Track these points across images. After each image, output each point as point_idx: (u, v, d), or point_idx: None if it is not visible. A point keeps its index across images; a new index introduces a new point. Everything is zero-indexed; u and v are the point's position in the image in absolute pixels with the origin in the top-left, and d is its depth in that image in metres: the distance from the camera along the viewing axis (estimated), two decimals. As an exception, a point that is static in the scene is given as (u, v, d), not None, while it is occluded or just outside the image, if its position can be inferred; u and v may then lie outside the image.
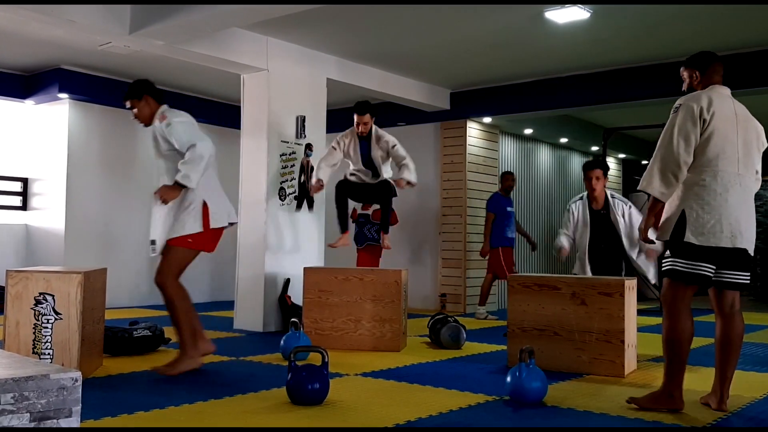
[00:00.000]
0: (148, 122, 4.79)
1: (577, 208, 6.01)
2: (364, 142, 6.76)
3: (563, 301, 4.94)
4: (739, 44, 7.17)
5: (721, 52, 7.28)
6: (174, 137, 4.54)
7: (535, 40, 7.19)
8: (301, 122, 7.44)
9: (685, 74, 3.95)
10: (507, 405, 3.92)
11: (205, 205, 4.60)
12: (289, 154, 7.34)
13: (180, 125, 4.57)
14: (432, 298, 9.70)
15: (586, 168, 6.00)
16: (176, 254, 4.62)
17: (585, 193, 6.02)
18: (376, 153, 6.71)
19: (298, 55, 7.50)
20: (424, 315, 8.14)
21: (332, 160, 6.86)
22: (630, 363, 4.90)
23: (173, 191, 4.54)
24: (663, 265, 3.78)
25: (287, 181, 7.30)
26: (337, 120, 9.38)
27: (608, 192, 5.95)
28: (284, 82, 7.36)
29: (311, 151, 7.49)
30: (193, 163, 4.45)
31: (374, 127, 6.78)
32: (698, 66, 3.89)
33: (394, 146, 6.73)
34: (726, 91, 3.83)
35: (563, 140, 11.58)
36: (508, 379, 4.02)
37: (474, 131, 9.65)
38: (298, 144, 7.44)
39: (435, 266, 9.74)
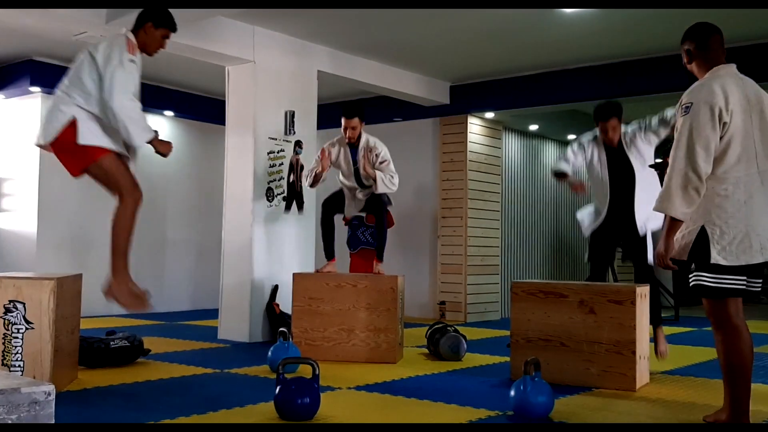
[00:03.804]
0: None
1: (590, 147, 5.61)
2: (355, 149, 6.51)
3: (570, 310, 4.95)
4: (762, 33, 7.19)
5: (742, 42, 7.32)
6: None
7: (541, 29, 7.20)
8: (290, 118, 7.44)
9: (682, 53, 3.74)
10: (511, 420, 3.93)
11: None
12: (277, 152, 7.35)
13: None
14: (430, 306, 9.71)
15: (600, 117, 5.43)
16: None
17: (599, 136, 5.58)
18: (364, 167, 6.40)
19: (287, 45, 7.50)
20: (422, 324, 8.14)
21: (320, 174, 6.56)
22: (642, 376, 4.91)
23: None
24: (690, 280, 3.57)
25: (275, 180, 7.30)
26: (328, 115, 9.39)
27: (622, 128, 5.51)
28: (272, 75, 7.36)
29: (301, 148, 7.49)
30: None
31: (365, 134, 6.50)
32: (694, 38, 3.67)
33: (383, 162, 6.44)
34: (732, 69, 3.59)
35: (571, 137, 11.60)
36: (512, 392, 4.02)
37: (475, 127, 9.66)
38: (287, 141, 7.44)
39: (433, 272, 9.75)
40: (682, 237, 3.54)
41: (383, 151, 6.46)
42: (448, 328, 6.13)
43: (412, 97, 9.18)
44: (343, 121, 6.44)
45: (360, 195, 6.60)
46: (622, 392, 4.69)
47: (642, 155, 5.45)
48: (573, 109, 10.37)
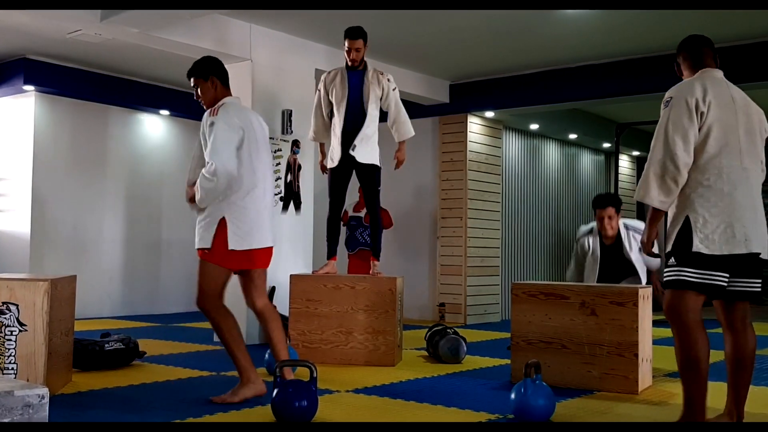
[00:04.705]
0: (209, 107, 4.58)
1: (588, 243, 5.95)
2: (355, 75, 6.19)
3: (572, 312, 4.95)
4: (764, 31, 7.20)
5: (744, 40, 7.33)
6: (208, 138, 4.33)
7: (541, 27, 7.21)
8: (287, 117, 7.45)
9: (675, 66, 3.90)
10: (511, 424, 3.93)
11: (222, 221, 4.34)
12: (275, 152, 7.34)
13: (220, 131, 4.32)
14: (429, 307, 9.71)
15: (597, 206, 5.85)
16: (204, 269, 4.42)
17: (596, 226, 5.94)
18: (370, 90, 6.12)
19: (284, 43, 7.50)
20: (421, 326, 8.14)
21: (323, 111, 6.29)
22: (644, 378, 4.91)
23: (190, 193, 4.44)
24: (667, 274, 3.60)
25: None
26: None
27: (622, 223, 5.87)
28: (269, 73, 7.36)
29: (298, 148, 7.49)
30: (204, 183, 4.25)
31: (369, 64, 6.26)
32: (685, 48, 3.83)
33: (395, 89, 6.27)
34: (719, 74, 3.71)
35: (572, 136, 11.61)
36: (513, 395, 4.02)
37: (475, 126, 9.67)
38: (284, 140, 7.44)
39: (433, 273, 9.75)
40: (670, 228, 3.60)
41: (392, 80, 6.29)
42: (448, 330, 6.13)
43: (411, 96, 9.17)
44: (346, 43, 6.12)
45: (349, 131, 6.15)
46: (624, 395, 4.70)
47: (641, 261, 5.79)
48: (574, 108, 10.40)
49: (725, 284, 3.53)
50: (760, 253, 3.56)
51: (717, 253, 3.45)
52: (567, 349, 4.95)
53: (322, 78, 6.36)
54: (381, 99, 6.23)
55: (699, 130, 3.50)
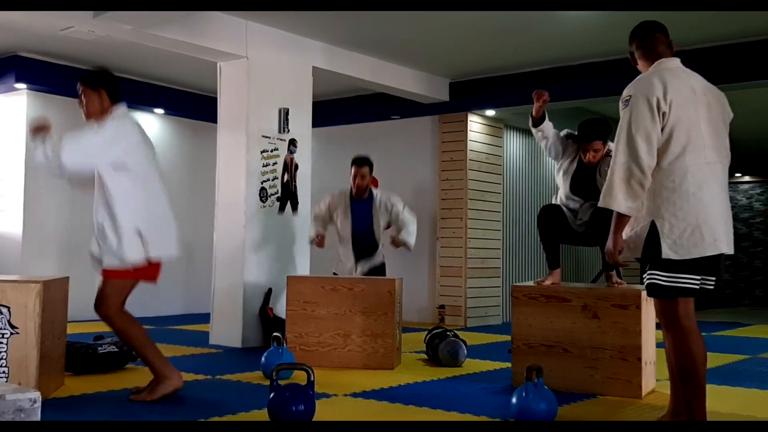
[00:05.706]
0: (91, 117, 4.74)
1: (567, 145, 5.25)
2: (360, 204, 6.82)
3: (573, 314, 4.95)
4: (766, 29, 7.21)
5: (750, 38, 7.34)
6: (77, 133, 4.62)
7: (543, 24, 7.22)
8: (284, 115, 7.44)
9: (629, 55, 3.79)
10: (512, 428, 3.93)
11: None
12: (271, 151, 7.35)
13: (93, 135, 4.72)
14: (429, 310, 9.71)
15: (584, 138, 5.11)
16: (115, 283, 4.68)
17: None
18: (380, 218, 6.80)
19: (280, 40, 7.50)
20: (421, 329, 8.14)
21: (323, 222, 6.99)
22: (648, 382, 4.91)
23: None
24: (644, 279, 3.57)
25: (269, 180, 7.30)
26: (324, 113, 9.39)
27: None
28: (265, 71, 7.36)
29: (295, 147, 7.50)
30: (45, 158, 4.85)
31: (375, 190, 6.91)
32: (637, 36, 3.73)
33: (404, 206, 6.86)
34: (675, 63, 3.63)
35: (574, 136, 11.61)
36: (514, 399, 4.03)
37: (476, 125, 9.67)
38: (281, 140, 7.45)
39: (432, 275, 9.75)
40: (634, 234, 3.55)
41: (397, 199, 6.87)
42: (448, 333, 6.14)
43: (410, 94, 9.19)
44: (353, 169, 6.75)
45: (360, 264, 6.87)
46: (628, 399, 4.69)
47: None
48: (577, 107, 10.38)
49: (697, 286, 3.48)
50: (727, 252, 3.50)
51: (687, 257, 3.41)
52: (569, 352, 4.95)
53: (329, 197, 6.95)
54: (390, 221, 6.87)
55: (662, 130, 3.43)
